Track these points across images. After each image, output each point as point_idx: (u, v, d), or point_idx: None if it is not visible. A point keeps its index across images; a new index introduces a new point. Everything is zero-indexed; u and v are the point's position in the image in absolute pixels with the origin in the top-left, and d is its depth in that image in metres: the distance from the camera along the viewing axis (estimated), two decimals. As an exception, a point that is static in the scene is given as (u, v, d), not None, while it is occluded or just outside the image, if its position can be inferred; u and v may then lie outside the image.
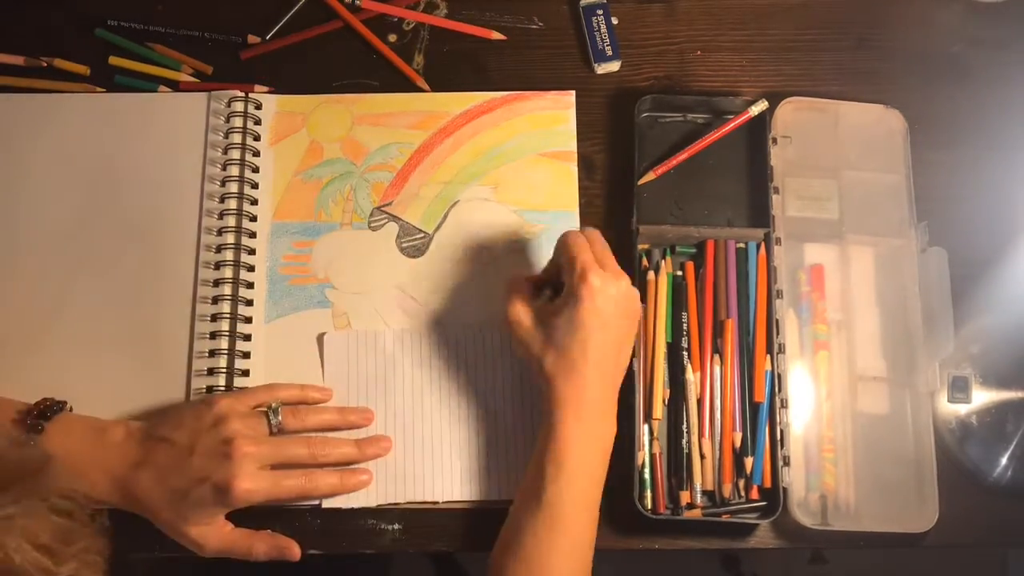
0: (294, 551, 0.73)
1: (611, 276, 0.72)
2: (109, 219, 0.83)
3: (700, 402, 0.78)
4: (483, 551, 0.73)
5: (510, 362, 0.79)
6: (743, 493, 0.76)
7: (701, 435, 0.77)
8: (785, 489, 0.75)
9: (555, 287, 0.76)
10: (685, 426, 0.77)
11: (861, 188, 0.85)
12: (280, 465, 0.72)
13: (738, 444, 0.77)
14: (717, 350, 0.79)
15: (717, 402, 0.78)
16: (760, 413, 0.77)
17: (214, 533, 0.71)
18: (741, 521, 0.76)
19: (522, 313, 0.74)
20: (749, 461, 0.76)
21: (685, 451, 0.76)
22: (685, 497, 0.75)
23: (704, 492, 0.76)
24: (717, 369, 0.78)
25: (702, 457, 0.76)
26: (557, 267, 0.75)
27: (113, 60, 0.88)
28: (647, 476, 0.76)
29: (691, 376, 0.78)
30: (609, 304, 0.71)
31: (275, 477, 0.71)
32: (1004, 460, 0.79)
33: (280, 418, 0.73)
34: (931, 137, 0.87)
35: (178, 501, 0.69)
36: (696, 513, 0.76)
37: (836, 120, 0.87)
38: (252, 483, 0.69)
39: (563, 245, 0.74)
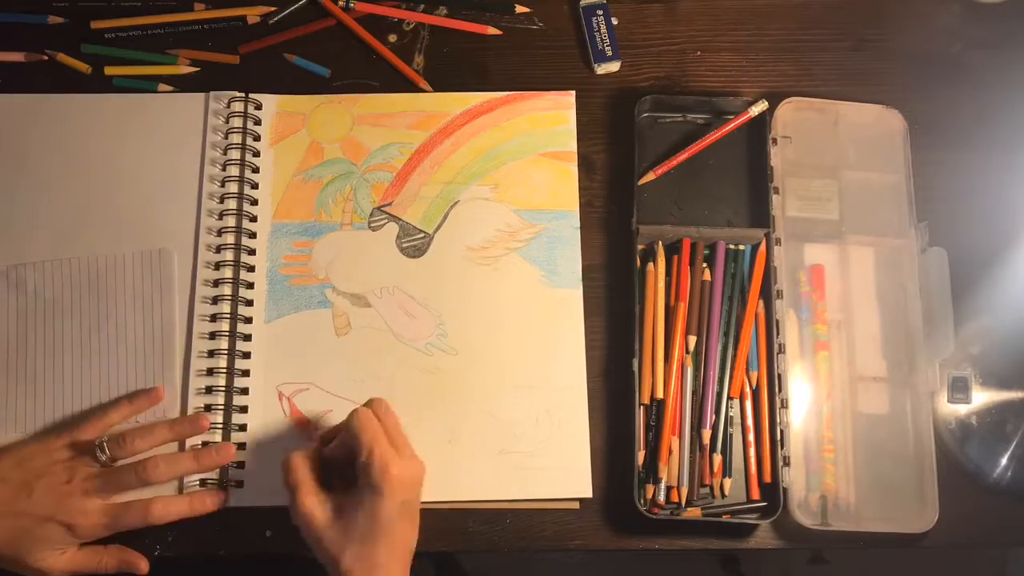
0: (140, 565, 0.73)
1: (407, 461, 0.70)
2: (108, 219, 0.83)
3: (665, 399, 0.78)
4: (483, 551, 0.73)
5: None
6: (724, 491, 0.77)
7: (672, 432, 0.77)
8: (785, 489, 0.75)
9: (346, 464, 0.71)
10: (653, 422, 0.78)
11: (861, 188, 0.85)
12: (120, 495, 0.73)
13: (707, 441, 0.77)
14: (689, 350, 0.79)
15: (688, 399, 0.78)
16: (721, 408, 0.78)
17: (61, 560, 0.71)
18: (741, 521, 0.76)
19: (315, 506, 0.69)
20: (718, 458, 0.77)
21: (651, 447, 0.77)
22: (649, 491, 0.76)
23: (702, 487, 0.76)
24: (689, 368, 0.79)
25: (670, 453, 0.77)
26: (348, 446, 0.70)
27: (109, 70, 0.88)
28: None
29: (661, 374, 0.78)
30: (409, 492, 0.69)
31: (115, 510, 0.72)
32: (1004, 460, 0.79)
33: (108, 453, 0.73)
34: (931, 137, 0.87)
35: (21, 539, 0.70)
36: (696, 513, 0.76)
37: (836, 120, 0.87)
38: (93, 519, 0.71)
39: (356, 428, 0.70)
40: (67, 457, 0.73)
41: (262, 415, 0.78)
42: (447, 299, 0.82)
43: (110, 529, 0.72)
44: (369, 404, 0.73)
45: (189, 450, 0.76)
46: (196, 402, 0.78)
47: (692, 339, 0.80)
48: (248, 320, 0.81)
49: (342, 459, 0.71)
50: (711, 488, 0.77)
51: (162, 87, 0.87)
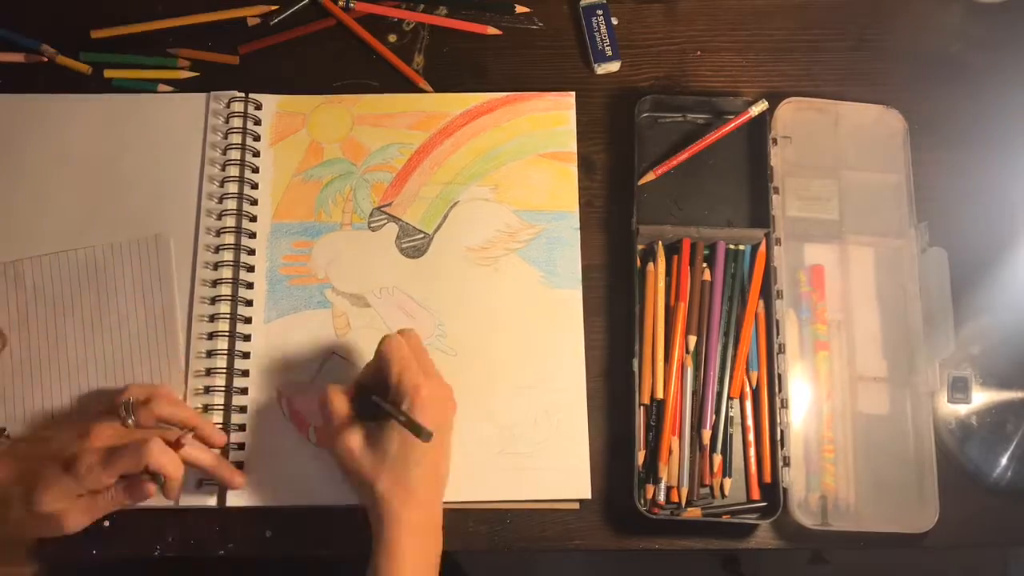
0: (236, 480, 0.75)
1: (436, 384, 0.71)
2: (108, 219, 0.83)
3: (665, 400, 0.78)
4: (483, 551, 0.74)
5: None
6: (724, 491, 0.77)
7: (672, 432, 0.77)
8: (785, 489, 0.75)
9: (378, 391, 0.72)
10: (653, 422, 0.78)
11: (861, 188, 0.85)
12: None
13: (707, 441, 0.77)
14: (689, 350, 0.79)
15: (688, 399, 0.78)
16: (721, 408, 0.78)
17: (73, 509, 0.70)
18: (741, 521, 0.76)
19: (351, 436, 0.70)
20: (718, 458, 0.77)
21: (651, 447, 0.77)
22: (649, 491, 0.76)
23: (702, 487, 0.77)
24: (689, 369, 0.79)
25: (670, 453, 0.77)
26: (378, 372, 0.72)
27: (108, 73, 0.88)
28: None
29: (661, 374, 0.78)
30: (440, 413, 0.71)
31: (115, 449, 0.70)
32: (1004, 460, 0.79)
33: (133, 415, 0.72)
34: (931, 137, 0.87)
35: (26, 479, 0.69)
36: (696, 513, 0.76)
37: (836, 120, 0.87)
38: (91, 457, 0.68)
39: (386, 352, 0.71)
40: (93, 419, 0.72)
41: (261, 415, 0.78)
42: (446, 300, 0.82)
43: (107, 469, 0.69)
44: (400, 332, 0.74)
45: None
46: (195, 402, 0.78)
47: (692, 339, 0.80)
48: (247, 320, 0.81)
49: (373, 386, 0.72)
50: (711, 488, 0.77)
51: (162, 87, 0.87)
